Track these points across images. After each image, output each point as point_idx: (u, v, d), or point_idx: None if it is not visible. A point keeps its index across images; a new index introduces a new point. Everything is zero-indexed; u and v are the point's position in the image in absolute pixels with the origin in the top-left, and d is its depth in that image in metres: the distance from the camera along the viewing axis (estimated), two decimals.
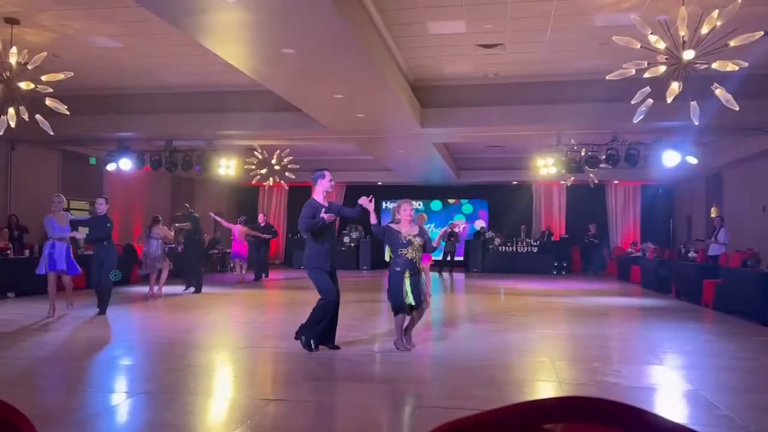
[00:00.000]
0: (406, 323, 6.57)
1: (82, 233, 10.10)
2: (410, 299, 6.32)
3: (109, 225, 9.33)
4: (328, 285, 6.44)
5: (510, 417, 0.76)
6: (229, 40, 7.68)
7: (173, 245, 14.76)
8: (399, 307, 6.40)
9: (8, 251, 11.58)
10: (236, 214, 22.78)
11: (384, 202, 22.83)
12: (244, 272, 16.08)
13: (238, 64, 8.60)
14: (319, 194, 6.69)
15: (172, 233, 12.74)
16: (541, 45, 9.70)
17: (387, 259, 6.93)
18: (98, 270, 9.30)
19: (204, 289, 13.09)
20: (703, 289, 11.18)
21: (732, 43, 6.26)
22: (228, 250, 19.34)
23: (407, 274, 6.37)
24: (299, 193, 22.72)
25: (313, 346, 6.43)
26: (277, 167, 16.27)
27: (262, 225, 16.49)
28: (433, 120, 12.20)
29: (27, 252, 12.12)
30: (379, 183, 22.27)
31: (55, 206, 9.32)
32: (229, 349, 7.04)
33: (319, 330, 6.46)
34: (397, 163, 18.11)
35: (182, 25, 7.07)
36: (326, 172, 6.73)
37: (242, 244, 15.92)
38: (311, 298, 6.82)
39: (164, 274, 12.08)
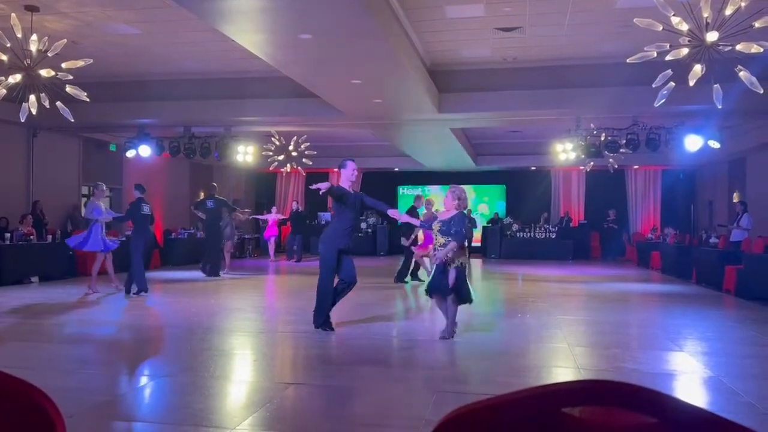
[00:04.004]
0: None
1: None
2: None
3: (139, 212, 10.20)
4: (332, 269, 6.59)
5: (528, 400, 0.76)
6: (247, 26, 7.68)
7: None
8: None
9: (32, 236, 11.78)
10: (254, 200, 23.14)
11: (401, 188, 22.81)
12: (273, 254, 17.90)
13: (256, 50, 8.60)
14: (344, 183, 6.84)
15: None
16: (560, 28, 9.57)
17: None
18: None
19: (225, 274, 13.28)
20: (725, 275, 11.04)
21: (756, 25, 6.13)
22: (246, 236, 19.93)
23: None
24: (316, 179, 22.71)
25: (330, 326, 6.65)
26: (294, 153, 16.35)
27: (294, 211, 18.17)
28: (451, 105, 12.11)
29: (49, 238, 12.32)
30: (396, 169, 22.22)
31: (99, 193, 10.37)
32: (250, 333, 7.11)
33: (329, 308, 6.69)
34: (414, 149, 18.05)
35: (200, 11, 7.09)
36: (349, 162, 6.84)
37: (273, 230, 17.69)
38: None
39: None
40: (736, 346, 6.53)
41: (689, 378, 5.15)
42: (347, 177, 6.84)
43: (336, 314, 6.83)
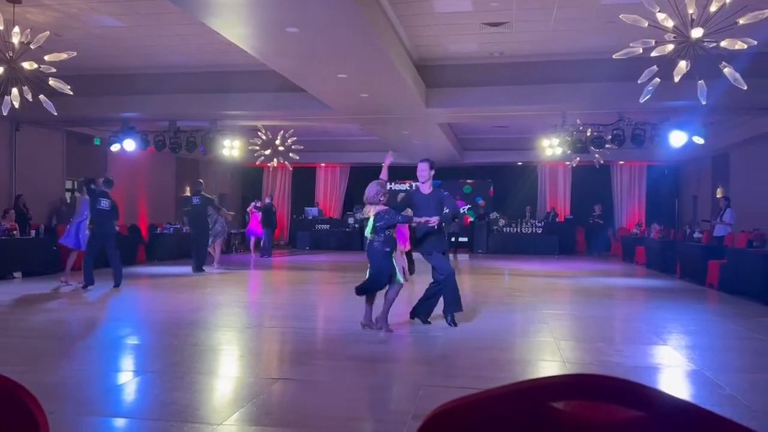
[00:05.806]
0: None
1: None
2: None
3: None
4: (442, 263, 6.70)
5: (516, 394, 0.76)
6: (233, 19, 7.62)
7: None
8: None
9: (15, 231, 11.64)
10: (241, 195, 23.00)
11: (389, 184, 22.75)
12: (253, 249, 17.56)
13: (242, 43, 8.54)
14: (422, 181, 7.06)
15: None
16: (547, 23, 9.59)
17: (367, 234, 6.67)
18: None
19: (209, 269, 13.19)
20: (708, 269, 11.16)
21: (741, 21, 6.18)
22: (233, 231, 19.79)
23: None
24: (303, 174, 22.75)
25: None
26: (281, 148, 16.27)
27: (266, 204, 17.49)
28: (438, 100, 12.12)
29: (33, 232, 12.18)
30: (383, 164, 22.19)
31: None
32: (236, 328, 7.08)
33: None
34: (401, 143, 18.04)
35: (185, 4, 7.02)
36: (419, 164, 7.06)
37: (258, 225, 17.45)
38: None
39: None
40: (718, 339, 6.61)
41: (673, 371, 5.21)
42: (420, 178, 7.05)
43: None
